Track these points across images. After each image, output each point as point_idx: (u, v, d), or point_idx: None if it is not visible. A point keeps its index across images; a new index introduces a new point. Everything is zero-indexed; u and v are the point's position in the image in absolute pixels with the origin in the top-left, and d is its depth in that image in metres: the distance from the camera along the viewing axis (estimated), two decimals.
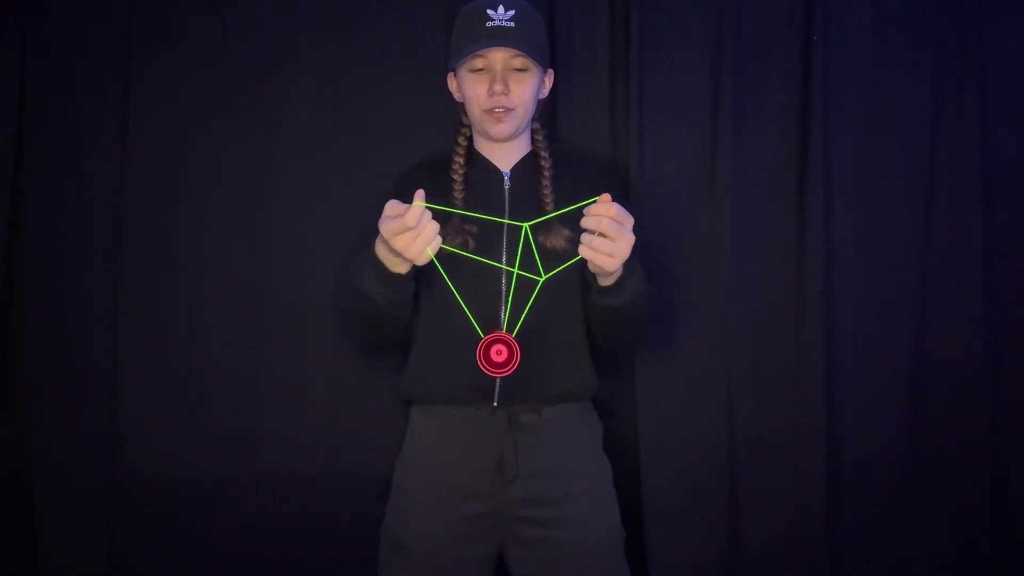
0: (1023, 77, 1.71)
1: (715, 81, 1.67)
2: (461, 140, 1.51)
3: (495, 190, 1.48)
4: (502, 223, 1.44)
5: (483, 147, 1.51)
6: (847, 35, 1.69)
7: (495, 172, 1.49)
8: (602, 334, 1.47)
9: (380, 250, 1.31)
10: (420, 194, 1.21)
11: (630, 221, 1.26)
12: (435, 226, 1.22)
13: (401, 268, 1.31)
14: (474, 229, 1.42)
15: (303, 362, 1.67)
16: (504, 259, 1.43)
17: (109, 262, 1.65)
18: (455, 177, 1.47)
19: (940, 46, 1.70)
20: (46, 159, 1.65)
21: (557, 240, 1.42)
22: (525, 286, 1.37)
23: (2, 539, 1.66)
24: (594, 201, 1.24)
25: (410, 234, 1.21)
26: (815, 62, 1.66)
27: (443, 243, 1.38)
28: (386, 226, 1.22)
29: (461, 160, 1.49)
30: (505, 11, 1.40)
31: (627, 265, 1.31)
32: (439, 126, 1.61)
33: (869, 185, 1.70)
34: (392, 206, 1.23)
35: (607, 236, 1.23)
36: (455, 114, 1.53)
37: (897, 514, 1.70)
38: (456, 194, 1.46)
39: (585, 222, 1.24)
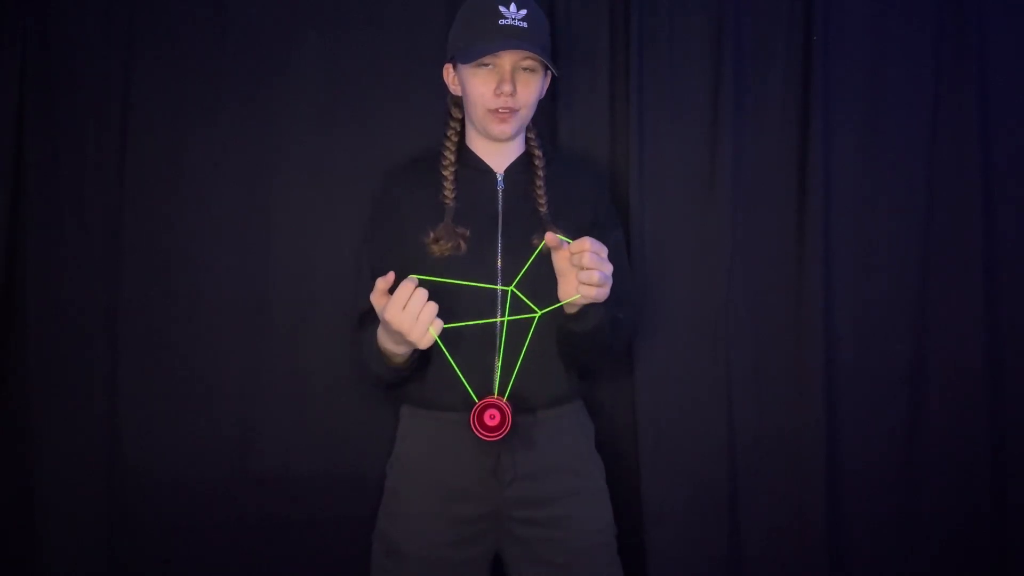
0: (1023, 76, 1.71)
1: (715, 81, 1.67)
2: (451, 135, 1.49)
3: (488, 191, 1.47)
4: (496, 224, 1.43)
5: (476, 145, 1.49)
6: (847, 35, 1.69)
7: (488, 172, 1.48)
8: (566, 355, 1.45)
9: (382, 337, 1.32)
10: (411, 279, 1.23)
11: (604, 249, 1.26)
12: (433, 307, 1.23)
13: (402, 354, 1.33)
14: (467, 232, 1.41)
15: (302, 362, 1.66)
16: (499, 261, 1.42)
17: (109, 262, 1.65)
18: (446, 174, 1.45)
19: (940, 46, 1.70)
20: (46, 159, 1.65)
21: (551, 243, 1.41)
22: (518, 287, 1.38)
23: (2, 539, 1.66)
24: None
25: (408, 317, 1.22)
26: (815, 61, 1.66)
27: (434, 247, 1.39)
28: (387, 312, 1.24)
29: (452, 156, 1.47)
30: (517, 9, 1.38)
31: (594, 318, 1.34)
32: (441, 125, 1.60)
33: (869, 185, 1.70)
34: (384, 280, 1.26)
35: (592, 268, 1.24)
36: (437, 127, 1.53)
37: (897, 514, 1.70)
38: (447, 192, 1.44)
39: (565, 265, 1.27)
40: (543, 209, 1.44)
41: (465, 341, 1.38)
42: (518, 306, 1.40)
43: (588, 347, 1.41)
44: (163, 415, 1.65)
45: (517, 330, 1.38)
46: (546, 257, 1.40)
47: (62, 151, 1.65)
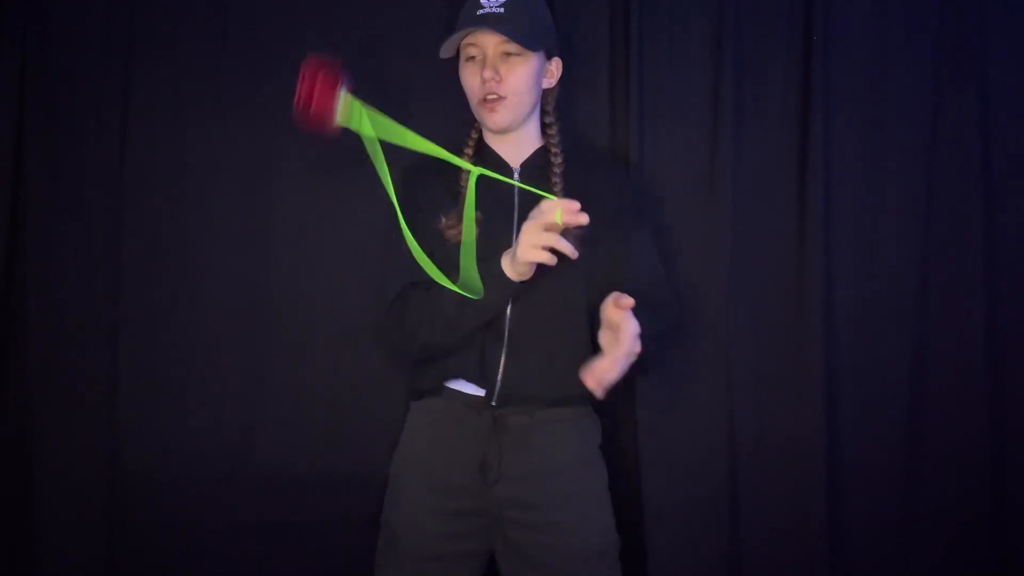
0: (1023, 76, 1.71)
1: (715, 80, 1.67)
2: (472, 132, 1.50)
3: (504, 185, 1.46)
4: (511, 219, 1.44)
5: (493, 141, 1.50)
6: (847, 35, 1.69)
7: (504, 167, 1.48)
8: None
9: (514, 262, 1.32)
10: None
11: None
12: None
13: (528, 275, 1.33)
14: (480, 217, 1.40)
15: (302, 362, 1.67)
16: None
17: (109, 262, 1.66)
18: (462, 168, 1.46)
19: (940, 45, 1.70)
20: (46, 159, 1.65)
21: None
22: (530, 282, 1.38)
23: (2, 539, 1.66)
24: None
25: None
26: (815, 61, 1.65)
27: (449, 232, 1.40)
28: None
29: (469, 152, 1.48)
30: None
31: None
32: (441, 125, 1.60)
33: (869, 184, 1.70)
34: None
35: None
36: (458, 112, 1.52)
37: (897, 514, 1.70)
38: (463, 181, 1.44)
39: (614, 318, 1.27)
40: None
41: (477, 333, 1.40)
42: (530, 300, 1.40)
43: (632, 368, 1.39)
44: (163, 415, 1.65)
45: (525, 325, 1.39)
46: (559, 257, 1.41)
47: (62, 151, 1.65)
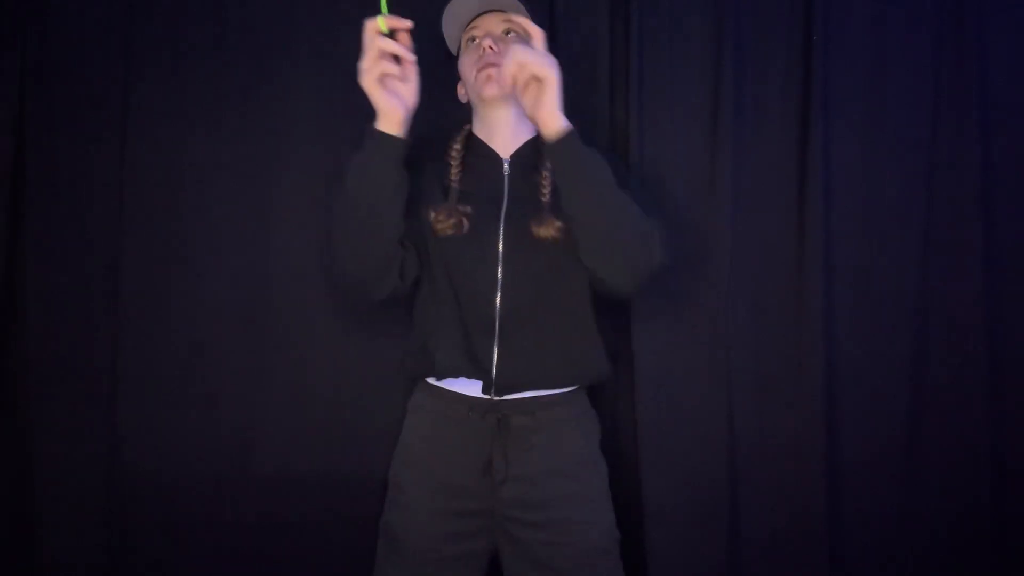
0: (1023, 76, 1.71)
1: (715, 81, 1.67)
2: (463, 127, 1.53)
3: (494, 175, 1.48)
4: (500, 209, 1.44)
5: (482, 133, 1.51)
6: (847, 35, 1.69)
7: (495, 158, 1.49)
8: (582, 231, 1.34)
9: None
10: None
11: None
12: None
13: (395, 118, 1.30)
14: (469, 210, 1.41)
15: (303, 362, 1.67)
16: (500, 245, 1.42)
17: (109, 262, 1.66)
18: (451, 162, 1.47)
19: (940, 45, 1.70)
20: (46, 160, 1.65)
21: (548, 230, 1.40)
22: (518, 273, 1.38)
23: (2, 539, 1.66)
24: None
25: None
26: (815, 62, 1.66)
27: (439, 226, 1.40)
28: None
29: (459, 147, 1.49)
30: None
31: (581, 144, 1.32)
32: (439, 125, 1.60)
33: (869, 185, 1.70)
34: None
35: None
36: (455, 114, 1.54)
37: (897, 514, 1.70)
38: (453, 174, 1.46)
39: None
40: (544, 198, 1.43)
41: (463, 324, 1.41)
42: (519, 291, 1.41)
43: (594, 205, 1.32)
44: (163, 415, 1.65)
45: (517, 313, 1.40)
46: (547, 248, 1.40)
47: (62, 151, 1.65)
